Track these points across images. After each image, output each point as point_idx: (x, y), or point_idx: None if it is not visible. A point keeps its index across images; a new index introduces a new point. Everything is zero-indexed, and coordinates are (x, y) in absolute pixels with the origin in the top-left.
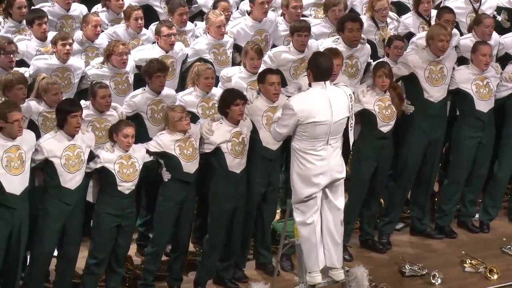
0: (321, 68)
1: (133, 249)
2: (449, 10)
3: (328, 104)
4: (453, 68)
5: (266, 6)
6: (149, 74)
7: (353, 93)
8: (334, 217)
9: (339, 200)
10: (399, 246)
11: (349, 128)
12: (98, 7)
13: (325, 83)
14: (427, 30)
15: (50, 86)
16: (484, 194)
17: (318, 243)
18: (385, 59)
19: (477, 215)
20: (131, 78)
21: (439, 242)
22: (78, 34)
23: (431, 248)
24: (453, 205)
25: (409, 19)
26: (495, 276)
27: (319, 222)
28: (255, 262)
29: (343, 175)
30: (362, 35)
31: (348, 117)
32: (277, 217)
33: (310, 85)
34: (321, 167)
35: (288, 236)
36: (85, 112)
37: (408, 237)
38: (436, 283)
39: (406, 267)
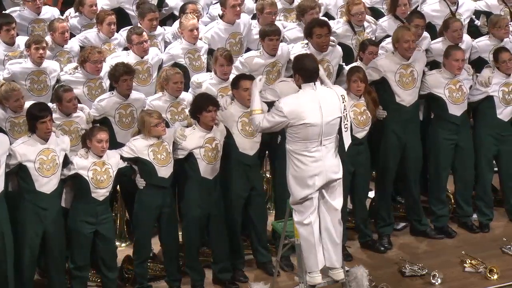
0: (308, 69)
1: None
2: (420, 15)
3: (318, 105)
4: (424, 72)
5: (238, 8)
6: (116, 78)
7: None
8: (332, 217)
9: (337, 200)
10: (399, 246)
11: (343, 129)
12: (71, 12)
13: (314, 84)
14: None
15: (9, 93)
16: (475, 197)
17: (317, 243)
18: (358, 63)
19: (475, 215)
20: (105, 84)
21: (439, 242)
22: (48, 40)
23: (431, 248)
24: (443, 206)
25: (386, 22)
26: (495, 276)
27: (316, 222)
28: (255, 262)
29: (340, 175)
30: (332, 38)
31: (341, 118)
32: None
33: (300, 87)
34: (316, 168)
35: (288, 236)
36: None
37: (408, 237)
38: (436, 283)
39: (406, 267)
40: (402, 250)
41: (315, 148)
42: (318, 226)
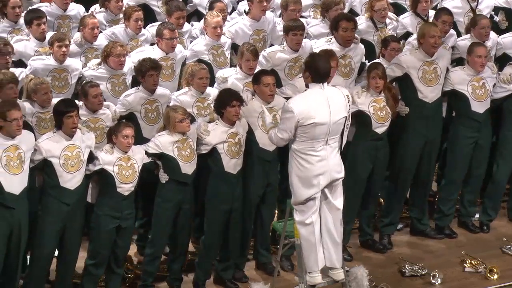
0: (320, 70)
1: (133, 249)
2: (448, 11)
3: (326, 105)
4: (448, 69)
5: (265, 4)
6: (142, 73)
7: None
8: (334, 217)
9: (338, 200)
10: (399, 246)
11: (345, 129)
12: (96, 8)
13: (322, 84)
14: None
15: (38, 86)
16: (484, 195)
17: (318, 243)
18: (380, 59)
19: (477, 215)
20: (128, 80)
21: (439, 242)
22: (77, 36)
23: (431, 248)
24: (452, 206)
25: (407, 19)
26: (495, 276)
27: (318, 222)
28: (255, 262)
29: (342, 175)
30: (356, 35)
31: (346, 117)
32: (276, 217)
33: (307, 86)
34: (321, 168)
35: (288, 236)
36: None
37: (408, 237)
38: (436, 283)
39: (406, 267)
40: (402, 250)
41: (320, 147)
42: (319, 226)
